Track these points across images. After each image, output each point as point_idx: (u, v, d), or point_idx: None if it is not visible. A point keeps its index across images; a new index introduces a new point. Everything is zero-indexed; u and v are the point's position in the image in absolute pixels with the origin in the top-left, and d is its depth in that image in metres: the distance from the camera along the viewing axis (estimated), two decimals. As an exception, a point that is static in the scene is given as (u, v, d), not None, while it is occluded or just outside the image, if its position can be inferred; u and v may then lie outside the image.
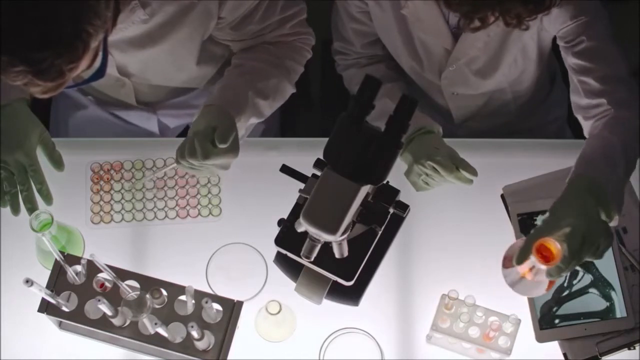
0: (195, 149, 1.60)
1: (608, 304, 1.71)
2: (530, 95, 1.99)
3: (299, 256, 1.50)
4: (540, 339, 1.70)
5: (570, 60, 1.73)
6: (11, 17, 1.25)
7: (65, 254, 1.58)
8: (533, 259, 1.49)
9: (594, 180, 1.57)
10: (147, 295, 1.54)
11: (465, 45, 1.78)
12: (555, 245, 1.49)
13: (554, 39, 1.79)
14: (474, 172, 1.68)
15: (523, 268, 1.53)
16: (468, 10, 1.49)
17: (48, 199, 1.78)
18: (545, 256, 1.49)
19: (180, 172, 1.84)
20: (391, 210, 1.53)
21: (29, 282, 1.44)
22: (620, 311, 1.70)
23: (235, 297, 1.60)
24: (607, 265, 1.73)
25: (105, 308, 1.49)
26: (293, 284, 1.64)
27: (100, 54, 1.39)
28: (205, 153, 1.60)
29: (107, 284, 1.59)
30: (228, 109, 1.65)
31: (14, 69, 1.28)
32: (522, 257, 1.52)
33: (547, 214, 1.56)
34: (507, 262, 1.58)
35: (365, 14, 1.84)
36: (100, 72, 1.44)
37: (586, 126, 1.73)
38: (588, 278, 1.74)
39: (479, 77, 1.86)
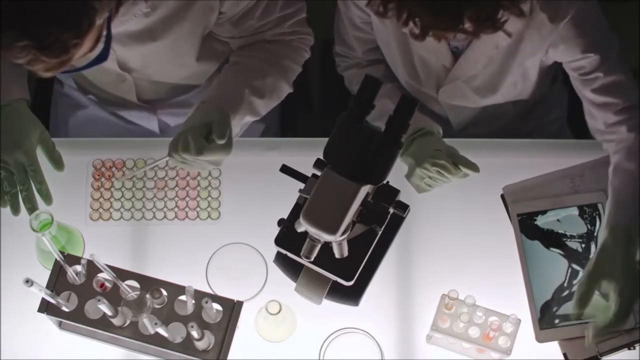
0: (189, 143, 1.61)
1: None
2: (530, 100, 1.99)
3: (299, 256, 1.50)
4: (540, 339, 1.70)
5: (587, 94, 1.74)
6: None
7: (65, 254, 1.58)
8: None
9: (629, 229, 1.61)
10: (147, 295, 1.54)
11: (465, 65, 1.77)
12: None
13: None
14: (475, 168, 1.68)
15: None
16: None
17: (48, 198, 1.78)
18: None
19: (182, 173, 1.84)
20: (391, 210, 1.53)
21: (29, 282, 1.44)
22: (620, 311, 1.69)
23: (235, 297, 1.59)
24: (607, 265, 1.73)
25: (105, 308, 1.49)
26: (293, 284, 1.64)
27: (103, 37, 1.40)
28: (199, 148, 1.61)
29: (107, 284, 1.59)
30: (223, 106, 1.65)
31: (19, 43, 1.29)
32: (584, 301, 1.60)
33: (590, 262, 1.61)
34: None
35: (368, 24, 1.82)
36: (103, 56, 1.45)
37: (605, 145, 1.77)
38: (588, 278, 1.73)
39: (478, 94, 1.86)
